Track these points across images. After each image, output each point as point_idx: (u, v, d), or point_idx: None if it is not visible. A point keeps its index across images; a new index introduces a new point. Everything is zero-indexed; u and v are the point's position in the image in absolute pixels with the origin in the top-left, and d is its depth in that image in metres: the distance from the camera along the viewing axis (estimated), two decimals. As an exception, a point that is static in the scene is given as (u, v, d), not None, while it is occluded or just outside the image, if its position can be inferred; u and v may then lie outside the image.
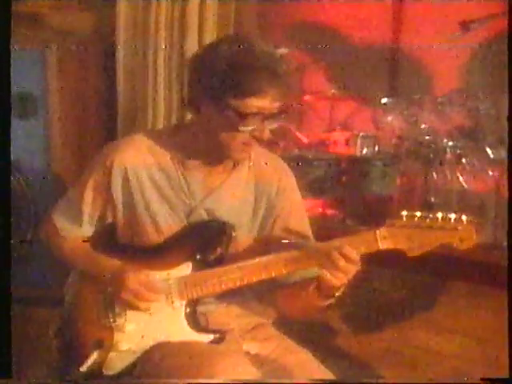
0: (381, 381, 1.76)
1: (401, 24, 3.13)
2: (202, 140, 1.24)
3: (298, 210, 1.35)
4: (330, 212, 2.82)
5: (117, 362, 1.26)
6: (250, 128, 1.17)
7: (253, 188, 1.31)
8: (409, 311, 2.12)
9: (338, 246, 1.15)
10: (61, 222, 1.33)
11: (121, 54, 2.50)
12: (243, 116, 1.15)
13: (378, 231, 1.18)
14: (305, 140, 3.29)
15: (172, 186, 1.27)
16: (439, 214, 1.16)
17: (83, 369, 1.26)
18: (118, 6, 2.47)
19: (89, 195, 1.30)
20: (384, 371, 1.85)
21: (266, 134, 1.19)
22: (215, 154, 1.25)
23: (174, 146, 1.28)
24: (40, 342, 1.40)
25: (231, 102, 1.15)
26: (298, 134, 3.29)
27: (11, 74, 1.28)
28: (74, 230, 1.33)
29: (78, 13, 2.50)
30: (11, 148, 1.28)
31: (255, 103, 1.15)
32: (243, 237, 1.30)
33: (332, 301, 1.21)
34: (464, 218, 1.15)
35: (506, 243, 1.24)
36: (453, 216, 1.15)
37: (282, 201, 1.32)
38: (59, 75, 2.42)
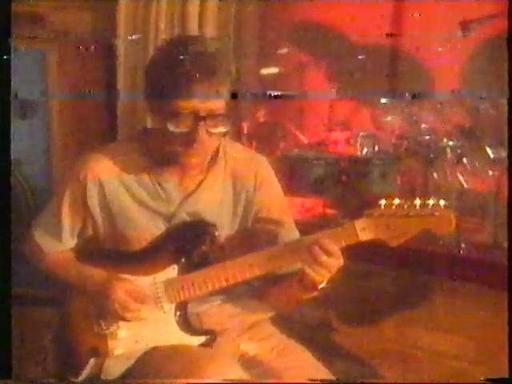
0: (381, 381, 1.76)
1: (401, 24, 3.13)
2: (157, 145, 1.24)
3: (277, 200, 1.35)
4: (329, 212, 2.82)
5: (114, 369, 1.27)
6: (180, 130, 1.16)
7: (230, 186, 1.30)
8: (408, 311, 2.12)
9: (318, 241, 1.15)
10: (42, 237, 1.34)
11: (121, 53, 2.50)
12: (170, 115, 1.15)
13: (356, 222, 1.17)
14: (305, 140, 3.29)
15: (149, 194, 1.27)
16: (417, 201, 1.15)
17: (82, 377, 1.26)
18: (119, 4, 2.46)
19: (66, 210, 1.30)
20: (384, 371, 1.85)
21: (202, 137, 1.16)
22: (168, 160, 1.25)
23: (143, 153, 1.28)
24: (40, 343, 1.40)
25: (161, 102, 1.15)
26: (297, 133, 3.29)
27: (11, 73, 1.28)
28: (55, 244, 1.33)
29: (77, 13, 2.50)
30: (11, 149, 1.28)
31: (184, 105, 1.14)
32: (226, 232, 1.31)
33: (316, 293, 1.21)
34: (442, 202, 1.14)
35: (506, 243, 1.23)
36: (431, 202, 1.14)
37: (261, 195, 1.32)
38: (59, 75, 2.42)
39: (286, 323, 1.38)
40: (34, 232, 1.37)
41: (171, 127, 1.16)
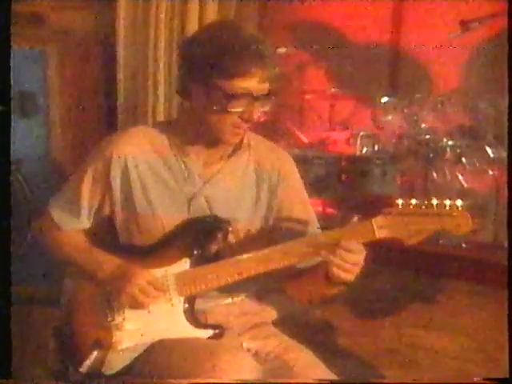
0: (381, 381, 1.76)
1: (401, 24, 3.12)
2: (196, 125, 1.24)
3: (300, 197, 1.33)
4: (330, 211, 2.82)
5: (117, 361, 1.24)
6: (238, 109, 1.17)
7: (253, 174, 1.29)
8: (409, 310, 2.12)
9: (338, 240, 1.14)
10: (58, 213, 1.30)
11: (121, 50, 2.49)
12: (231, 97, 1.16)
13: (374, 220, 1.16)
14: (305, 139, 3.29)
15: (172, 173, 1.26)
16: (434, 201, 1.15)
17: (83, 369, 1.24)
18: (118, 5, 2.46)
19: (87, 186, 1.28)
20: (385, 371, 1.84)
21: (256, 116, 1.19)
22: (209, 138, 1.25)
23: (171, 134, 1.28)
24: (40, 342, 1.39)
25: (218, 83, 1.16)
26: (298, 133, 3.29)
27: (12, 73, 1.27)
28: (72, 221, 1.30)
29: (77, 11, 2.49)
30: (11, 147, 1.27)
31: (242, 84, 1.15)
32: (245, 225, 1.28)
33: (342, 288, 1.20)
34: (459, 203, 1.14)
35: (506, 242, 1.23)
36: (448, 202, 1.15)
37: (284, 188, 1.30)
38: (59, 73, 2.41)
39: (287, 324, 1.37)
40: (49, 209, 1.32)
41: (232, 107, 1.16)
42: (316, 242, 1.19)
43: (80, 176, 1.29)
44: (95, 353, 1.24)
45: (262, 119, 1.24)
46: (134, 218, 1.27)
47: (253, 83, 1.16)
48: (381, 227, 1.15)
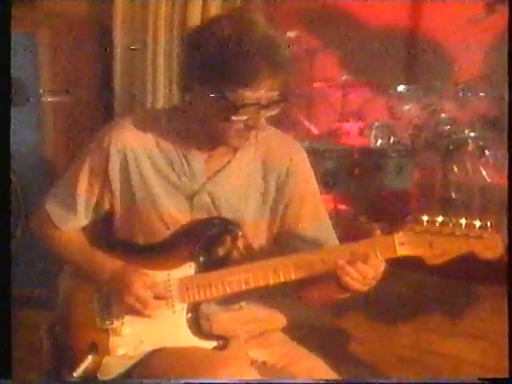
0: (382, 381, 1.75)
1: (420, 5, 3.09)
2: (197, 125, 1.23)
3: (311, 192, 1.30)
4: (341, 208, 2.80)
5: (112, 368, 1.24)
6: (242, 118, 1.15)
7: (260, 168, 1.27)
8: (428, 315, 2.10)
9: (359, 254, 1.13)
10: (54, 210, 1.30)
11: (118, 34, 2.48)
12: (237, 107, 1.13)
13: (396, 236, 1.14)
14: (315, 130, 3.27)
15: (173, 168, 1.24)
16: (463, 220, 1.14)
17: (77, 374, 1.24)
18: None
19: (84, 180, 1.26)
20: (401, 380, 1.83)
21: (261, 123, 1.17)
22: (211, 140, 1.24)
23: (173, 127, 1.26)
24: (37, 344, 1.39)
25: (224, 91, 1.13)
26: (307, 124, 3.28)
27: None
28: (69, 218, 1.29)
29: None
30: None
31: (250, 95, 1.12)
32: (252, 226, 1.27)
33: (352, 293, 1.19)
34: (489, 224, 1.12)
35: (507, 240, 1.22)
36: (478, 223, 1.13)
37: (294, 182, 1.27)
38: (51, 59, 2.40)
39: (296, 329, 1.37)
40: (45, 205, 1.30)
41: (236, 117, 1.14)
42: (332, 255, 1.17)
43: (77, 169, 1.28)
44: (90, 357, 1.24)
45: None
46: (135, 213, 1.26)
47: (261, 93, 1.13)
48: (403, 244, 1.14)
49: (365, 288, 1.16)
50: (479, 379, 1.26)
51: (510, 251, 1.18)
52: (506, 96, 1.33)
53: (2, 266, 1.26)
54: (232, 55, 1.11)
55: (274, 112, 1.17)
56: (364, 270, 1.14)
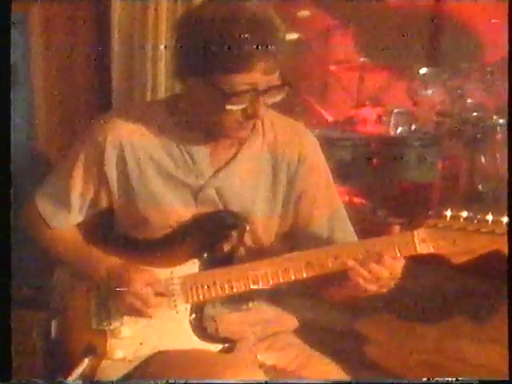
0: (382, 380, 1.76)
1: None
2: (196, 117, 1.23)
3: (325, 185, 1.29)
4: (357, 201, 2.80)
5: (110, 372, 1.24)
6: (239, 107, 1.15)
7: (269, 160, 1.27)
8: (452, 317, 2.11)
9: (371, 253, 1.13)
10: (46, 207, 1.30)
11: (115, 13, 2.48)
12: (230, 94, 1.13)
13: (416, 232, 1.14)
14: (329, 117, 3.27)
15: (175, 163, 1.25)
16: (489, 217, 1.14)
17: (72, 378, 1.25)
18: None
19: (78, 176, 1.27)
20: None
21: (263, 110, 1.16)
22: (212, 133, 1.23)
23: (172, 119, 1.26)
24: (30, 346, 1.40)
25: (215, 78, 1.13)
26: (320, 110, 3.28)
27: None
28: (62, 217, 1.30)
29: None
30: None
31: (242, 80, 1.12)
32: (262, 222, 1.27)
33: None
34: None
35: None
36: (505, 219, 1.13)
37: (306, 172, 1.27)
38: (43, 41, 2.42)
39: (309, 332, 1.37)
40: (36, 201, 1.30)
41: (230, 106, 1.14)
42: (345, 253, 1.16)
43: (70, 164, 1.28)
44: (86, 360, 1.25)
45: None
46: (135, 209, 1.26)
47: (256, 76, 1.12)
48: (424, 241, 1.14)
49: (382, 289, 1.16)
50: (480, 381, 1.27)
51: (510, 251, 1.18)
52: (506, 96, 1.34)
53: (2, 266, 1.27)
54: (220, 40, 1.12)
55: (276, 98, 1.16)
56: (377, 270, 1.13)
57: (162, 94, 2.43)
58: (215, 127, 1.20)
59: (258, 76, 1.13)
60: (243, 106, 1.15)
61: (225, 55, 1.12)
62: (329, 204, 1.29)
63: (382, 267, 1.14)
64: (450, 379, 1.21)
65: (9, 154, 1.29)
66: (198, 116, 1.23)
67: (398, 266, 1.14)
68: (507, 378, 1.24)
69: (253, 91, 1.14)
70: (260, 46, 1.12)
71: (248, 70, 1.12)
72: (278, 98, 1.16)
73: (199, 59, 1.14)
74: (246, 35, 1.12)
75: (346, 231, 1.28)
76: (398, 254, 1.14)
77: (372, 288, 1.15)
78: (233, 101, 1.14)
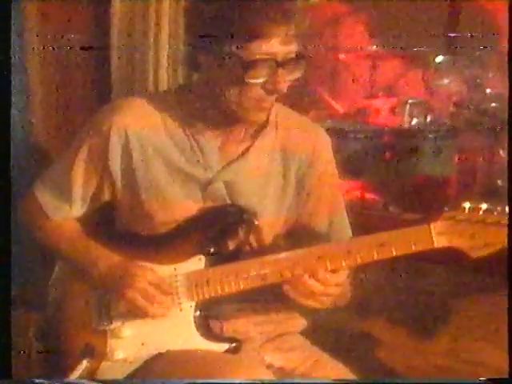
0: (382, 380, 1.76)
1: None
2: (210, 101, 1.23)
3: (331, 184, 1.32)
4: (369, 196, 2.80)
5: (111, 373, 1.25)
6: (259, 80, 1.15)
7: (280, 157, 1.29)
8: (467, 318, 2.10)
9: (391, 245, 1.13)
10: (46, 199, 1.31)
11: (116, 4, 2.49)
12: (248, 64, 1.13)
13: (432, 225, 1.14)
14: (340, 108, 3.27)
15: (183, 155, 1.25)
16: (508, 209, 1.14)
17: (70, 379, 1.26)
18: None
19: (80, 167, 1.27)
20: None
21: (283, 86, 1.16)
22: (228, 118, 1.24)
23: (181, 109, 1.26)
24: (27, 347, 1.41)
25: (232, 49, 1.14)
26: (331, 100, 3.27)
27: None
28: (62, 209, 1.30)
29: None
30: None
31: (261, 47, 1.13)
32: (271, 218, 1.28)
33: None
34: None
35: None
36: None
37: (316, 171, 1.30)
38: (39, 29, 2.42)
39: (318, 333, 1.37)
40: (35, 192, 1.31)
41: (250, 78, 1.14)
42: (359, 247, 1.16)
43: (72, 155, 1.28)
44: (85, 362, 1.25)
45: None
46: (139, 204, 1.27)
47: (275, 45, 1.13)
48: (441, 234, 1.14)
49: (321, 305, 1.18)
50: (480, 380, 1.28)
51: (509, 250, 1.18)
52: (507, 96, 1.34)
53: (2, 266, 1.28)
54: (235, 7, 1.13)
55: (295, 74, 1.17)
56: (310, 285, 1.15)
57: (163, 82, 2.43)
58: (232, 109, 1.20)
59: (276, 44, 1.13)
60: (262, 79, 1.15)
61: (239, 21, 1.12)
62: (331, 201, 1.31)
63: (316, 281, 1.15)
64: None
65: (8, 149, 1.30)
66: (210, 101, 1.22)
67: (333, 280, 1.16)
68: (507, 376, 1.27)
69: (271, 62, 1.14)
70: (279, 11, 1.12)
71: (265, 37, 1.13)
72: (297, 74, 1.17)
73: (212, 31, 1.15)
74: (264, 4, 1.12)
75: (344, 235, 1.31)
76: (414, 249, 1.14)
77: (308, 303, 1.17)
78: (251, 74, 1.14)
